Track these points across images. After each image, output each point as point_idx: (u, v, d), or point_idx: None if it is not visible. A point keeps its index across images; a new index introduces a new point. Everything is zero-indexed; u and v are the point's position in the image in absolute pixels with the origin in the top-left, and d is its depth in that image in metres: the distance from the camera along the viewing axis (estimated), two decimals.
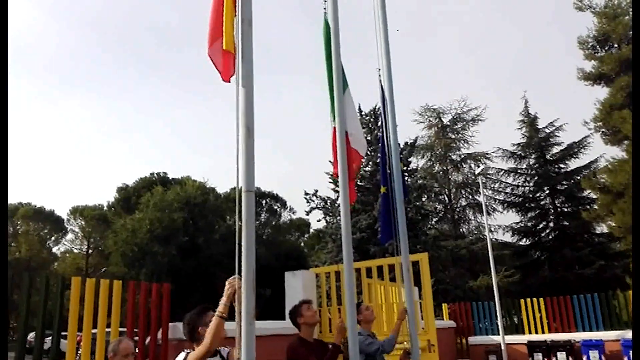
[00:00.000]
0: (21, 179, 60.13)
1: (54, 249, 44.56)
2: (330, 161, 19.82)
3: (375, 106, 21.78)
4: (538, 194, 25.03)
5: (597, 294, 11.39)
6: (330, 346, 4.03)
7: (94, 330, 4.60)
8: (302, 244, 41.34)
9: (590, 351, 10.15)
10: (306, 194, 23.62)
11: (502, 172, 26.43)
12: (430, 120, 29.25)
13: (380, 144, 5.35)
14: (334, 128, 3.90)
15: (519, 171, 25.93)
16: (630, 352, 9.27)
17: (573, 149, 24.46)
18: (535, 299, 12.09)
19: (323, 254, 22.62)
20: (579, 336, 10.81)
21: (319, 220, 27.65)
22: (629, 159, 16.15)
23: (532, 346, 11.04)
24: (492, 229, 25.38)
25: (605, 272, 20.43)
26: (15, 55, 59.03)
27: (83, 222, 41.87)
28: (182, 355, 2.93)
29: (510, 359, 11.31)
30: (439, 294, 18.90)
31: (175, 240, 26.80)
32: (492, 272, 12.32)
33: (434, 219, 26.72)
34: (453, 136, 28.78)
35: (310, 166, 71.87)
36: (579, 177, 22.87)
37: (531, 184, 25.32)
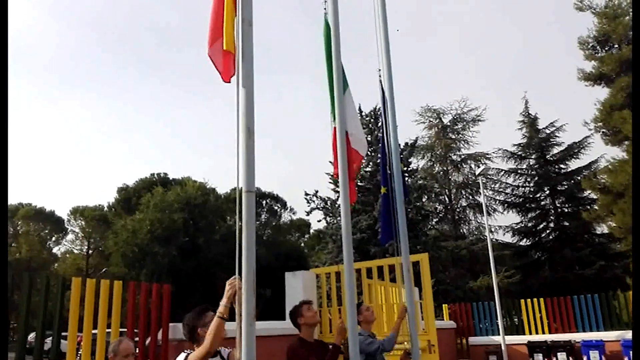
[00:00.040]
0: (21, 180, 60.23)
1: (55, 250, 44.64)
2: (330, 161, 19.82)
3: (376, 106, 21.79)
4: (538, 195, 25.04)
5: (597, 295, 11.39)
6: (330, 347, 4.03)
7: (94, 331, 4.60)
8: (303, 245, 41.33)
9: (590, 351, 10.15)
10: (306, 194, 23.66)
11: (502, 173, 26.45)
12: (430, 121, 29.28)
13: (380, 145, 5.34)
14: (334, 128, 3.90)
15: (519, 171, 25.93)
16: (631, 352, 9.27)
17: (573, 150, 24.46)
18: (535, 300, 12.09)
19: (323, 254, 22.62)
20: (579, 336, 10.81)
21: (319, 221, 27.72)
22: (629, 160, 16.15)
23: (533, 346, 11.04)
24: (493, 230, 25.42)
25: (605, 272, 20.43)
26: (15, 55, 59.15)
27: (83, 223, 41.87)
28: (183, 355, 2.93)
29: (511, 359, 11.31)
30: (439, 295, 18.90)
31: (176, 240, 26.79)
32: (493, 272, 12.32)
33: (434, 220, 26.74)
34: (453, 136, 28.79)
35: (311, 166, 71.94)
36: (579, 178, 22.86)
37: (531, 185, 25.32)
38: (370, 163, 21.91)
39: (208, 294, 23.70)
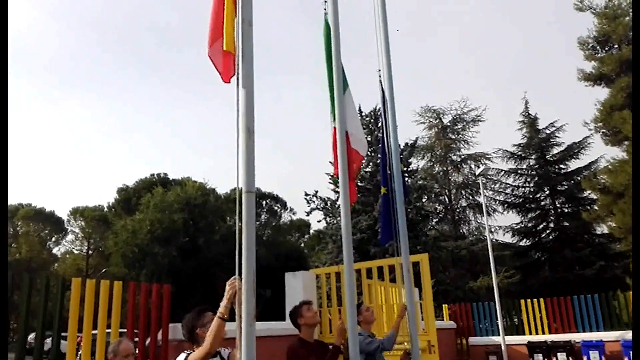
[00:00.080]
0: (21, 180, 60.19)
1: (54, 250, 44.62)
2: (330, 162, 19.84)
3: (376, 107, 21.81)
4: (538, 195, 25.03)
5: (597, 295, 11.40)
6: (330, 347, 4.03)
7: (94, 331, 4.60)
8: (303, 245, 41.32)
9: (590, 352, 10.15)
10: (306, 194, 23.69)
11: (502, 173, 26.44)
12: (430, 121, 29.28)
13: (380, 145, 5.34)
14: (334, 128, 3.90)
15: (519, 172, 25.92)
16: (631, 352, 9.27)
17: (573, 150, 24.46)
18: (535, 300, 12.09)
19: (323, 254, 22.63)
20: (579, 337, 10.81)
21: (319, 221, 27.74)
22: (629, 160, 16.15)
23: (533, 347, 11.04)
24: (493, 230, 25.42)
25: (605, 272, 20.42)
26: (15, 55, 59.13)
27: (83, 223, 41.87)
28: (183, 356, 2.93)
29: (511, 359, 11.31)
30: (439, 295, 18.90)
31: (176, 241, 26.79)
32: (493, 272, 12.32)
33: (434, 220, 26.74)
34: (453, 137, 28.79)
35: (310, 166, 71.94)
36: (579, 178, 22.86)
37: (531, 185, 25.32)
38: (370, 163, 21.92)
39: (208, 294, 23.70)
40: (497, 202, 26.43)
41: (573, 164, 24.49)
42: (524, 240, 25.01)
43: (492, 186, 26.70)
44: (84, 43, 67.06)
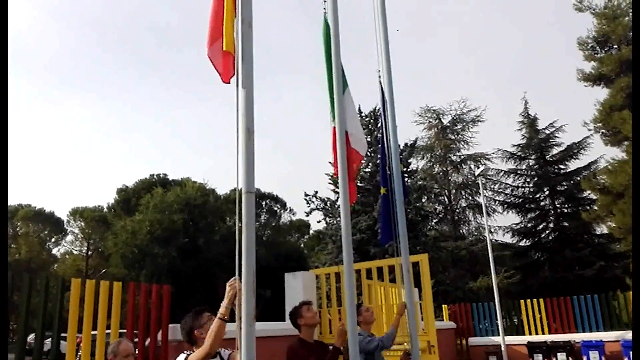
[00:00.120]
0: (21, 180, 60.17)
1: (54, 251, 44.63)
2: (330, 162, 19.85)
3: (375, 107, 21.82)
4: (538, 195, 25.03)
5: (597, 295, 11.38)
6: (330, 347, 4.03)
7: (94, 332, 4.60)
8: (302, 245, 41.35)
9: (590, 352, 10.14)
10: (306, 195, 23.69)
11: (502, 173, 26.43)
12: (430, 121, 29.26)
13: (380, 145, 5.34)
14: (334, 128, 3.90)
15: (518, 172, 25.92)
16: (631, 352, 9.27)
17: (573, 150, 24.46)
18: (535, 300, 12.08)
19: (323, 255, 22.63)
20: (579, 337, 10.80)
21: (319, 222, 27.75)
22: (629, 160, 16.16)
23: (532, 347, 11.04)
24: (492, 230, 25.42)
25: (605, 272, 20.42)
26: (15, 55, 59.12)
27: (83, 224, 41.88)
28: (182, 356, 2.92)
29: (510, 359, 11.31)
30: (439, 295, 18.89)
31: (175, 241, 26.80)
32: (492, 273, 12.31)
33: (434, 220, 26.73)
34: (453, 137, 28.78)
35: (310, 166, 71.96)
36: (578, 178, 22.86)
37: (531, 185, 25.32)
38: (370, 164, 21.91)
39: (208, 294, 23.71)
40: (497, 202, 26.44)
41: (573, 164, 24.53)
42: (524, 240, 25.02)
43: (492, 186, 26.71)
44: (84, 43, 67.12)
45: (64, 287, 4.79)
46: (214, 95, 73.54)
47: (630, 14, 17.74)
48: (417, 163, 27.54)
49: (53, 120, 66.95)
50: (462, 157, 28.35)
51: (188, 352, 2.93)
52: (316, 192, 23.67)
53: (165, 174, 38.32)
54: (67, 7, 66.23)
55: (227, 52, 2.68)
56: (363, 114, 22.43)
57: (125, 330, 5.08)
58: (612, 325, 10.98)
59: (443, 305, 13.92)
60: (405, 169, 22.39)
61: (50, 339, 4.67)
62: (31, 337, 5.07)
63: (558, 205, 24.29)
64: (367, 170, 21.94)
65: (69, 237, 43.52)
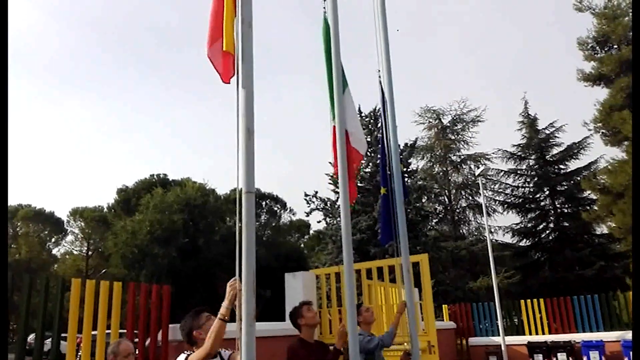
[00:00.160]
0: (21, 180, 60.17)
1: (54, 251, 44.62)
2: (330, 162, 19.86)
3: (375, 107, 21.82)
4: (538, 195, 25.03)
5: (597, 295, 11.38)
6: (331, 348, 4.02)
7: (94, 332, 4.60)
8: (302, 245, 41.34)
9: (590, 352, 10.14)
10: (306, 195, 23.69)
11: (502, 173, 26.42)
12: (430, 122, 29.26)
13: (380, 145, 5.34)
14: (334, 127, 3.90)
15: (519, 172, 25.92)
16: (631, 352, 9.27)
17: (573, 150, 24.46)
18: (535, 300, 12.08)
19: (323, 255, 22.63)
20: (579, 337, 10.79)
21: (319, 222, 27.74)
22: (629, 160, 16.15)
23: (533, 347, 11.03)
24: (492, 230, 25.41)
25: (605, 272, 20.42)
26: (15, 55, 59.10)
27: (83, 224, 41.87)
28: (183, 356, 2.92)
29: (511, 359, 11.32)
30: (439, 295, 18.89)
31: (175, 241, 26.79)
32: (492, 273, 12.31)
33: (434, 220, 26.72)
34: (453, 137, 28.77)
35: (310, 166, 71.96)
36: (579, 178, 22.85)
37: (531, 185, 25.32)
38: (370, 164, 21.91)
39: (208, 294, 23.71)
40: (497, 202, 26.43)
41: (573, 164, 24.52)
42: (524, 240, 25.02)
43: (492, 186, 26.71)
44: (84, 43, 67.12)
45: (64, 287, 4.79)
46: (214, 95, 73.62)
47: (630, 14, 17.73)
48: (417, 163, 27.58)
49: (53, 120, 67.02)
50: (462, 157, 28.35)
51: (188, 352, 2.93)
52: (316, 192, 23.71)
53: (165, 174, 38.36)
54: (67, 7, 66.30)
55: (227, 52, 2.68)
56: (363, 114, 22.43)
57: (125, 331, 5.08)
58: (612, 325, 10.98)
59: (443, 305, 13.92)
60: (405, 169, 22.40)
61: (50, 339, 4.67)
62: (31, 337, 5.07)
63: (558, 205, 24.29)
64: (367, 170, 21.94)
65: (69, 237, 43.59)
